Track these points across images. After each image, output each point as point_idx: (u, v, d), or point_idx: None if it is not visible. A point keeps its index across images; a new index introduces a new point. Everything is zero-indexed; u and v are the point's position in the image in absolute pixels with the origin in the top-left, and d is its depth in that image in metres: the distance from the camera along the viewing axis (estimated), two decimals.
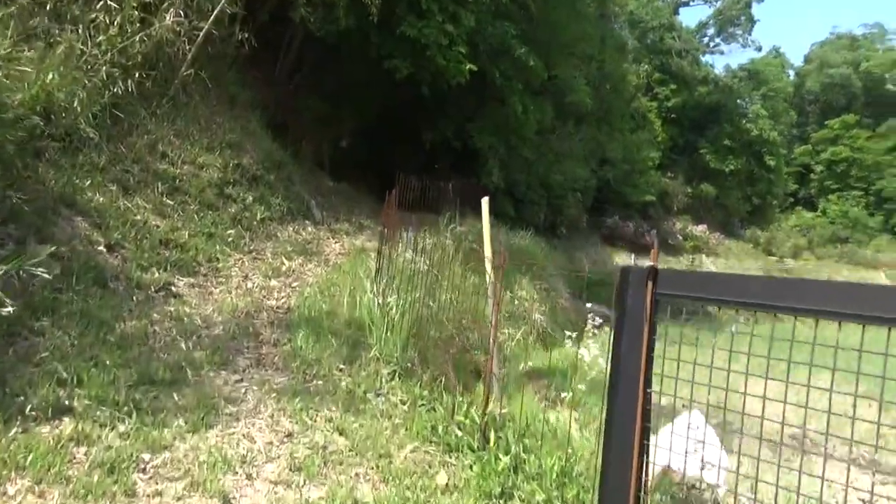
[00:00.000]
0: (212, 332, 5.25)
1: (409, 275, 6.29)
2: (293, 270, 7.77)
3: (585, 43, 15.03)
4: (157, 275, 6.13)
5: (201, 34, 9.07)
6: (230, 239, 7.99)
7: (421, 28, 11.45)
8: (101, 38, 7.97)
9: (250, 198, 9.22)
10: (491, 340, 3.76)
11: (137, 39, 8.38)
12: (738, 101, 47.14)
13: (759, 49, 50.05)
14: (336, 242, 9.85)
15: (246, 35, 10.44)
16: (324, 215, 10.89)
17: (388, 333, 5.10)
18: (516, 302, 10.52)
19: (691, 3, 48.81)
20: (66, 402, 3.57)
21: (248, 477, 3.15)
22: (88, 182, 6.66)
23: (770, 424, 2.23)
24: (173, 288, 6.12)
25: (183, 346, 4.83)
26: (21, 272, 4.89)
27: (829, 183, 58.98)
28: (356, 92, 14.74)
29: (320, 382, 4.44)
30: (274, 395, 4.18)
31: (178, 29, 8.96)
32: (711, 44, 49.77)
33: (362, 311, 5.70)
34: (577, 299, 15.17)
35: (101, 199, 6.68)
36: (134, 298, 5.45)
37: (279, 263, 7.86)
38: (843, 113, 60.78)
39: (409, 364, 4.82)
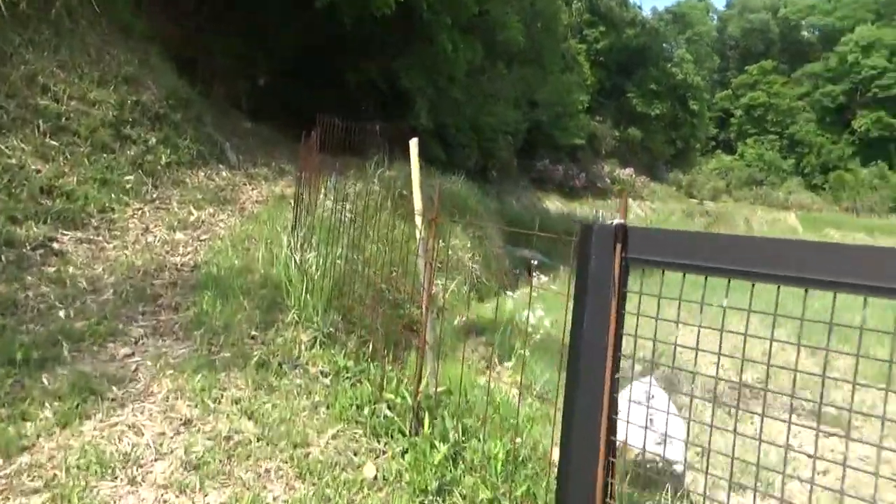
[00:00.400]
0: (99, 297, 4.51)
1: (330, 226, 5.66)
2: (203, 221, 6.98)
3: None
4: (34, 229, 5.26)
5: None
6: (129, 186, 7.08)
7: None
8: None
9: (153, 139, 8.23)
10: (423, 308, 3.24)
11: None
12: (664, 44, 47.45)
13: None
14: (253, 189, 9.02)
15: None
16: (240, 159, 9.98)
17: (308, 295, 4.50)
18: (450, 252, 10.04)
19: None
20: None
21: (131, 482, 2.56)
22: None
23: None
24: (55, 244, 5.27)
25: (62, 314, 4.08)
26: None
27: (748, 127, 61.00)
28: (273, 28, 13.56)
29: (227, 354, 3.82)
30: (171, 371, 3.54)
31: None
32: None
33: (279, 267, 5.06)
34: (511, 246, 14.90)
35: None
36: (3, 258, 4.61)
37: (186, 214, 7.04)
38: (762, 59, 62.48)
39: (331, 329, 4.26)
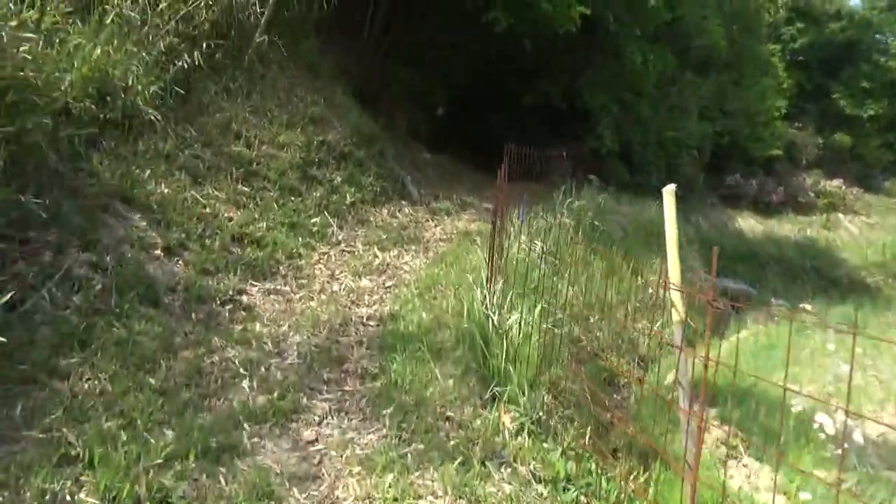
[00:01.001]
0: (284, 362, 4.11)
1: (526, 272, 4.91)
2: (388, 265, 6.57)
3: None
4: (225, 281, 5.09)
5: None
6: (315, 228, 6.90)
7: None
8: (161, 4, 7.00)
9: (338, 178, 8.11)
10: (686, 439, 2.33)
11: (202, 4, 7.37)
12: (878, 35, 41.53)
13: None
14: (436, 225, 8.58)
15: None
16: (421, 193, 9.65)
17: (509, 365, 3.75)
18: (649, 289, 8.88)
19: None
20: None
21: None
22: (150, 172, 5.70)
23: None
24: (244, 297, 5.05)
25: (245, 385, 3.70)
26: (51, 292, 3.94)
27: None
28: (450, 54, 13.34)
29: (421, 446, 3.16)
30: (358, 469, 2.95)
31: None
32: None
33: (472, 324, 4.38)
34: (705, 273, 13.21)
35: (166, 190, 5.72)
36: (193, 316, 4.40)
37: (371, 256, 6.69)
38: None
39: (540, 414, 3.46)
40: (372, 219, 8.00)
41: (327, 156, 8.23)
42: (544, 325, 3.93)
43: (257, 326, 4.59)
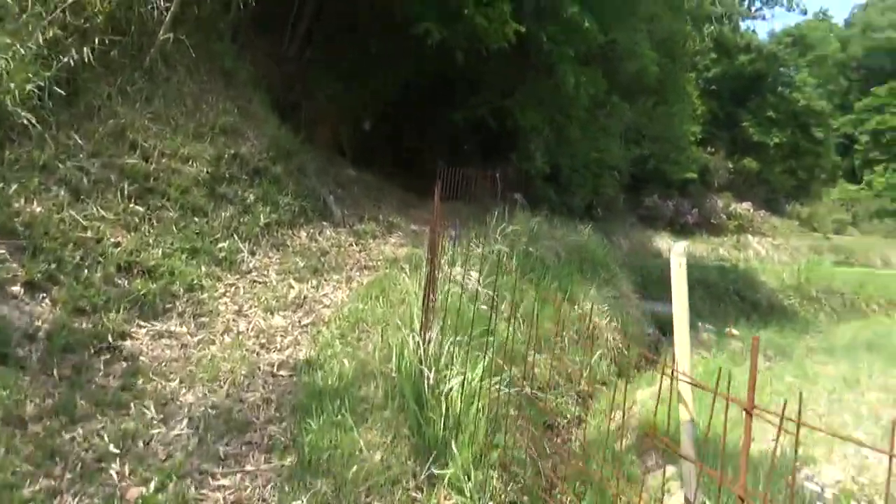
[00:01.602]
0: (170, 432, 3.31)
1: (459, 310, 4.29)
2: (305, 298, 5.81)
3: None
4: (104, 322, 4.21)
5: None
6: (222, 255, 6.05)
7: None
8: None
9: (251, 196, 7.27)
10: None
11: None
12: (782, 69, 44.02)
13: (805, 13, 46.56)
14: (361, 251, 7.86)
15: None
16: (344, 213, 8.90)
17: (450, 434, 3.12)
18: (583, 316, 8.47)
19: None
20: None
21: None
22: (17, 186, 4.75)
23: None
24: (127, 343, 4.19)
25: (114, 472, 2.89)
26: None
27: (875, 154, 55.53)
28: (378, 66, 12.67)
29: None
30: None
31: None
32: (753, 7, 46.46)
33: (403, 376, 3.71)
34: (641, 299, 13.05)
35: (37, 209, 4.78)
36: (54, 373, 3.52)
37: (286, 288, 5.91)
38: (890, 79, 57.16)
39: (489, 500, 2.84)
40: (289, 243, 7.21)
41: (239, 171, 7.37)
42: (490, 385, 3.31)
43: (139, 382, 3.75)
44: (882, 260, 37.86)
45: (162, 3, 7.08)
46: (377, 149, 14.49)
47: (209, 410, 3.59)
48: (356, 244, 8.00)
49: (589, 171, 18.91)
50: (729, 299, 14.35)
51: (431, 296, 4.04)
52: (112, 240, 5.12)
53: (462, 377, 3.29)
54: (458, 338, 3.83)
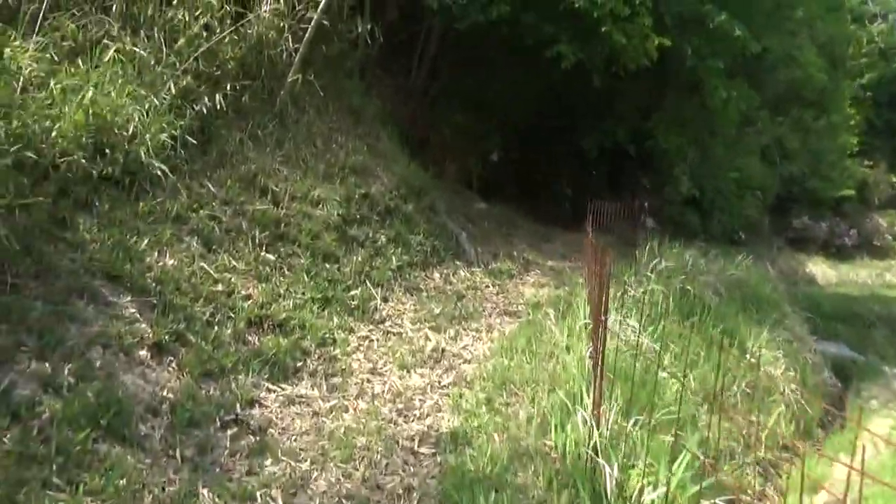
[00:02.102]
0: None
1: (633, 374, 3.49)
2: (443, 351, 5.23)
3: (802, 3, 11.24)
4: (232, 388, 3.83)
5: (310, 26, 6.90)
6: (354, 303, 5.63)
7: None
8: (180, 41, 6.00)
9: (382, 238, 6.88)
10: None
11: (227, 40, 6.36)
12: None
13: None
14: (498, 293, 7.22)
15: (370, 28, 8.23)
16: (477, 252, 8.33)
17: None
18: (759, 366, 7.27)
19: None
20: None
21: None
22: (150, 239, 4.56)
23: None
24: (255, 411, 3.77)
25: None
26: None
27: None
28: (506, 95, 12.16)
29: None
30: None
31: (280, 24, 6.87)
32: None
33: (573, 470, 2.98)
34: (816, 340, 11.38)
35: (170, 262, 4.56)
36: (177, 453, 3.13)
37: (422, 339, 5.37)
38: None
39: None
40: (422, 286, 6.72)
41: (370, 212, 7.03)
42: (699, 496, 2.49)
43: (268, 463, 3.28)
44: None
45: (291, 45, 6.95)
46: (505, 179, 13.94)
47: (343, 501, 3.04)
48: (493, 285, 7.38)
49: (732, 192, 17.30)
50: None
51: (600, 362, 3.29)
52: (243, 292, 4.82)
53: (663, 484, 2.51)
54: (638, 417, 3.04)
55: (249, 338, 4.48)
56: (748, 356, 7.17)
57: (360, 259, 6.25)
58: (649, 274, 7.25)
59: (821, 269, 29.61)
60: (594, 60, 9.39)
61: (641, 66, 9.62)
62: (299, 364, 4.47)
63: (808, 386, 8.00)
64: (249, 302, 4.78)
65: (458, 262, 7.74)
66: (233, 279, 4.87)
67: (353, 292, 5.73)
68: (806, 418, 7.28)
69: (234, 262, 5.06)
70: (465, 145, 11.98)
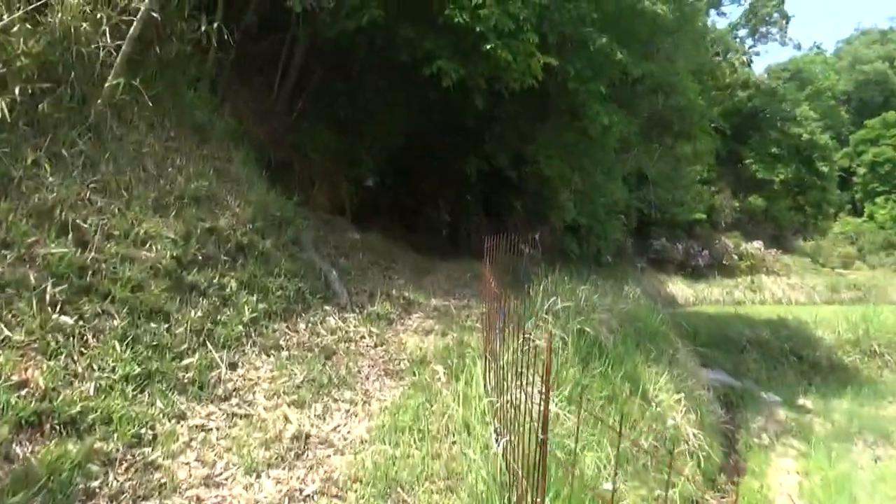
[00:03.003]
0: None
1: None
2: (307, 439, 4.02)
3: (674, 32, 11.27)
4: None
5: (137, 19, 5.49)
6: (187, 376, 4.29)
7: (475, 10, 7.80)
8: None
9: (232, 283, 5.56)
10: None
11: (19, 29, 4.83)
12: (782, 104, 43.24)
13: (799, 47, 46.22)
14: (376, 344, 6.10)
15: (218, 29, 6.89)
16: (351, 293, 7.17)
17: None
18: (657, 409, 6.68)
19: (723, 7, 45.21)
20: None
21: None
22: None
23: None
24: None
25: None
26: None
27: (875, 185, 54.59)
28: (379, 114, 11.17)
29: None
30: None
31: (95, 14, 5.41)
32: (746, 44, 45.95)
33: None
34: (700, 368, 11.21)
35: None
36: None
37: (280, 423, 4.13)
38: (881, 111, 56.66)
39: None
40: (283, 342, 5.45)
41: (216, 250, 5.68)
42: None
43: None
44: None
45: (111, 42, 5.50)
46: (380, 204, 12.90)
47: None
48: (369, 335, 6.25)
49: (603, 217, 17.43)
50: (786, 360, 12.59)
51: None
52: (14, 378, 3.38)
53: None
54: None
55: (17, 450, 3.06)
56: (653, 404, 6.57)
57: (199, 314, 4.90)
58: (546, 315, 6.45)
59: (679, 288, 31.19)
60: (476, 79, 8.61)
61: (525, 87, 8.98)
62: (94, 484, 3.11)
63: (706, 426, 7.57)
64: (24, 392, 3.34)
65: (327, 308, 6.54)
66: (2, 359, 3.41)
67: (186, 361, 4.38)
68: (708, 467, 6.79)
69: (7, 332, 3.59)
70: (335, 169, 10.80)
